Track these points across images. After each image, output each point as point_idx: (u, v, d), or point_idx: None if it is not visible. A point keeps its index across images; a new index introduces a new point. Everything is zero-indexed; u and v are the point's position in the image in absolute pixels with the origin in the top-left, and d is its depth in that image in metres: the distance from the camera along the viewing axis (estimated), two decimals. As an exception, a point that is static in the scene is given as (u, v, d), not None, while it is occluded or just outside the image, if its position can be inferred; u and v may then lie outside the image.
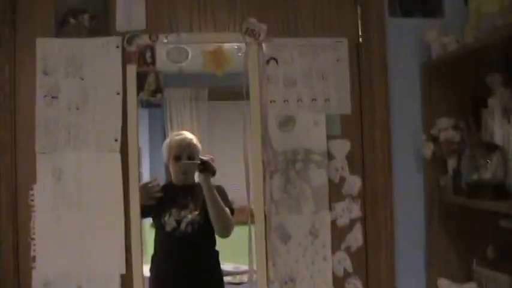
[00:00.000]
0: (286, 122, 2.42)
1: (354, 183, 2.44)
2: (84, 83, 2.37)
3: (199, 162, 2.58)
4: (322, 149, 2.42)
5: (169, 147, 2.73)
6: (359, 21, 2.47)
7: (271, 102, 2.41)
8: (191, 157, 2.67)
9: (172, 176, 2.75)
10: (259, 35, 2.39)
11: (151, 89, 2.37)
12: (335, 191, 2.44)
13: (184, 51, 2.38)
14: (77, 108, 2.37)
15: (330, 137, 2.44)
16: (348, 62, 2.46)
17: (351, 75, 2.46)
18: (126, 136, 2.36)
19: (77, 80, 2.37)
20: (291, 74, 2.43)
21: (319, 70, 2.44)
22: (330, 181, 2.43)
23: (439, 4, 2.53)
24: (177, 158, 2.71)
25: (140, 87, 2.36)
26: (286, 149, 2.41)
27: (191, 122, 3.53)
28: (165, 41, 2.38)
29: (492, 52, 2.13)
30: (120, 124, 2.35)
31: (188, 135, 2.75)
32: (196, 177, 2.65)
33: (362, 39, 2.46)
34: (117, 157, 2.35)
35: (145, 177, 3.97)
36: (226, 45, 2.41)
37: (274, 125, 2.41)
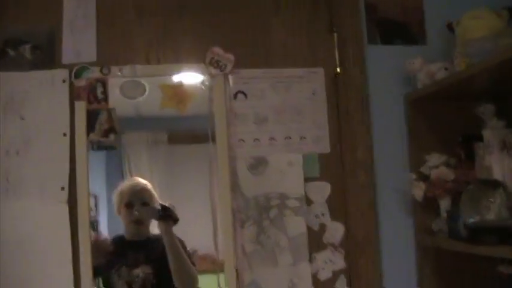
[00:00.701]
0: (258, 164, 2.14)
1: (335, 231, 2.16)
2: (25, 123, 2.06)
3: (158, 208, 2.22)
4: (299, 193, 2.14)
5: (120, 194, 2.38)
6: (336, 50, 2.22)
7: (239, 141, 2.13)
8: (145, 204, 2.33)
9: (124, 227, 2.37)
10: (225, 66, 2.13)
11: (104, 128, 2.07)
12: (315, 240, 2.15)
13: (140, 85, 2.09)
14: (17, 153, 2.05)
15: (307, 180, 2.16)
16: (325, 95, 2.21)
17: (329, 109, 2.21)
18: (75, 184, 2.04)
19: (17, 119, 2.06)
20: (261, 109, 2.17)
21: (293, 104, 2.18)
22: (309, 229, 2.14)
23: (421, 30, 2.32)
24: (129, 205, 2.34)
25: (91, 127, 2.06)
26: (258, 194, 2.12)
27: (149, 166, 3.25)
28: (119, 74, 2.10)
29: (484, 80, 1.90)
30: (67, 170, 2.04)
31: (141, 180, 2.42)
32: (152, 229, 2.32)
33: (340, 69, 2.21)
34: (64, 208, 2.03)
35: (103, 230, 3.60)
36: (188, 79, 2.13)
37: (243, 167, 2.13)
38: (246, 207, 2.10)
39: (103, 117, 2.07)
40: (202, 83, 2.13)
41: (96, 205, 3.69)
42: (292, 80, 2.19)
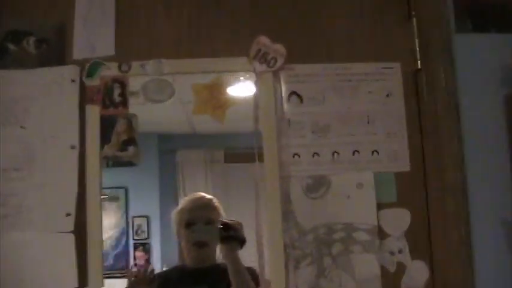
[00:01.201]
0: (317, 186, 1.66)
1: (417, 273, 1.67)
2: (25, 133, 1.65)
3: (220, 226, 1.73)
4: (371, 223, 1.65)
5: (181, 212, 1.98)
6: (415, 40, 1.74)
7: (294, 156, 1.67)
8: (210, 222, 1.89)
9: (185, 254, 1.95)
10: (275, 60, 1.67)
11: (122, 139, 1.64)
12: (391, 285, 1.65)
13: (167, 85, 1.66)
14: (16, 170, 1.64)
15: (381, 206, 1.67)
16: (403, 97, 1.72)
17: (408, 115, 1.72)
18: (85, 209, 1.61)
19: (16, 129, 1.65)
20: (321, 115, 1.69)
21: (362, 110, 1.70)
22: (383, 270, 1.65)
23: (524, 15, 1.81)
24: (190, 225, 1.92)
25: (105, 138, 1.64)
26: (318, 224, 1.65)
27: (205, 186, 3.03)
28: (141, 71, 1.67)
29: None
30: (75, 191, 1.62)
31: (205, 195, 2.03)
32: (218, 254, 1.88)
33: (421, 64, 1.72)
34: (70, 239, 1.60)
35: (156, 255, 3.22)
36: (228, 77, 1.69)
37: (299, 190, 1.66)
38: (302, 241, 1.63)
39: (121, 125, 1.64)
40: (246, 81, 1.68)
41: (148, 227, 3.37)
42: (361, 79, 1.71)
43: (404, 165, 1.69)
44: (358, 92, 1.71)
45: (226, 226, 1.71)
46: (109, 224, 3.30)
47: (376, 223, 1.65)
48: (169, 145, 3.30)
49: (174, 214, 1.99)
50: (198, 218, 1.91)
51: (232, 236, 1.71)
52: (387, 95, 1.71)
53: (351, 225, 1.64)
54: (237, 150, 3.09)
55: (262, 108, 1.66)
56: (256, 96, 1.67)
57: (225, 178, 3.28)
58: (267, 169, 1.64)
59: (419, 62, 1.72)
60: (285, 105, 1.68)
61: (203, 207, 1.95)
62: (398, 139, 1.70)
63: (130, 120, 1.64)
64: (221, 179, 3.31)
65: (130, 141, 1.63)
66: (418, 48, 1.73)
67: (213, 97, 1.65)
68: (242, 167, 3.08)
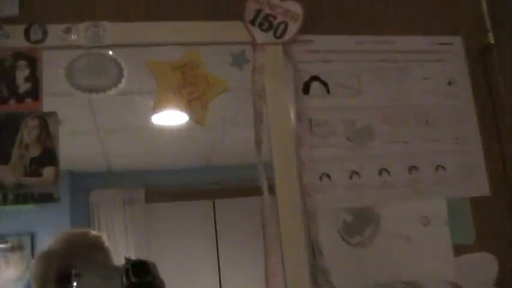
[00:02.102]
0: (360, 224, 1.03)
1: None
2: None
3: (127, 266, 0.98)
4: (445, 278, 1.04)
5: (49, 260, 1.12)
6: (483, 5, 1.19)
7: (321, 178, 1.03)
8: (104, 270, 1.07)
9: None
10: (285, 27, 1.05)
11: (31, 156, 0.94)
12: None
13: (111, 64, 0.99)
14: None
15: (456, 250, 1.07)
16: (470, 86, 1.15)
17: (479, 111, 1.15)
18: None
19: None
20: (359, 112, 1.08)
21: (417, 104, 1.11)
22: None
23: None
24: (67, 277, 0.94)
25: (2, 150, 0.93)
26: (365, 283, 1.02)
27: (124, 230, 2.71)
28: (65, 41, 0.98)
29: None
30: None
31: (90, 230, 1.26)
32: None
33: (493, 38, 1.17)
34: None
35: None
36: (207, 51, 1.04)
37: (333, 232, 1.02)
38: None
39: (29, 131, 0.94)
40: (238, 60, 1.04)
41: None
42: (411, 59, 1.12)
43: (483, 187, 1.11)
44: (409, 77, 1.11)
45: (136, 264, 0.98)
46: (11, 278, 2.75)
47: (450, 277, 1.05)
48: (82, 184, 2.90)
49: (35, 263, 1.11)
50: (84, 265, 1.10)
51: (147, 283, 0.97)
52: (449, 82, 1.14)
53: (415, 285, 1.03)
54: (161, 188, 2.94)
55: (267, 100, 1.03)
56: (256, 85, 1.03)
57: (146, 220, 2.94)
58: (280, 202, 1.00)
59: (489, 35, 1.17)
60: (303, 97, 1.06)
61: (90, 247, 1.14)
62: (470, 147, 1.12)
63: (45, 122, 0.95)
64: (142, 221, 2.94)
65: (45, 159, 0.93)
66: (487, 17, 1.18)
67: (186, 82, 1.00)
68: (167, 207, 2.98)
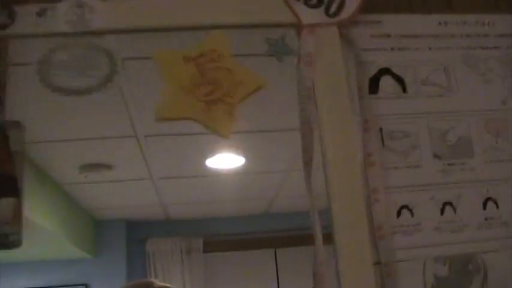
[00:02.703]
0: (458, 279, 0.71)
1: None
2: None
3: None
4: None
5: None
6: None
7: (400, 213, 0.72)
8: None
9: None
10: (342, 1, 0.76)
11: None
12: None
13: (98, 55, 0.71)
14: None
15: None
16: None
17: None
18: None
19: None
20: (449, 118, 0.76)
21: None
22: None
23: None
24: None
25: None
26: None
27: (182, 280, 2.65)
28: (38, 26, 0.71)
29: None
30: None
31: (157, 281, 1.25)
32: None
33: None
34: None
35: None
36: (233, 37, 0.75)
37: (422, 290, 0.70)
38: None
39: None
40: (276, 48, 0.74)
41: None
42: (516, 44, 0.81)
43: None
44: (517, 69, 0.80)
45: None
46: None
47: None
48: (138, 233, 2.85)
49: None
50: None
51: None
52: None
53: None
54: (219, 238, 2.83)
55: (318, 106, 0.72)
56: (303, 82, 0.73)
57: (205, 270, 2.82)
58: (340, 250, 0.68)
59: None
60: (369, 98, 0.75)
61: None
62: None
63: (4, 137, 0.67)
64: (200, 270, 2.82)
65: (1, 187, 0.65)
66: None
67: (204, 79, 0.71)
68: (225, 256, 2.85)
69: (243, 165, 2.19)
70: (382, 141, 0.73)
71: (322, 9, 0.75)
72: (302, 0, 0.75)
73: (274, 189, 2.55)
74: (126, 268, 2.72)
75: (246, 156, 2.13)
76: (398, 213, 0.71)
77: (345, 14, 0.76)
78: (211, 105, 0.69)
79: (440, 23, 0.80)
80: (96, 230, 2.74)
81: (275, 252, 2.94)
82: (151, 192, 2.45)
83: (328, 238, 0.69)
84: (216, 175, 2.23)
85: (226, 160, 2.16)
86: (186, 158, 2.09)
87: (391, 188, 0.71)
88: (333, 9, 0.75)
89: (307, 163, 0.69)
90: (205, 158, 2.11)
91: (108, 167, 2.13)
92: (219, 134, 0.68)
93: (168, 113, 0.69)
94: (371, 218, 0.70)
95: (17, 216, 0.65)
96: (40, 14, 0.72)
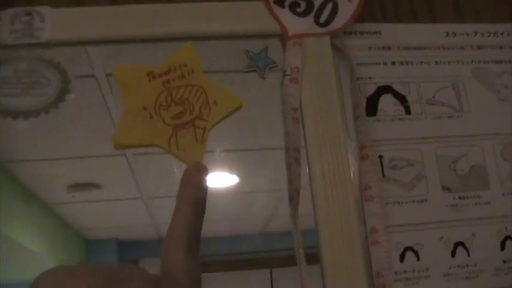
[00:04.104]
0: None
1: None
2: None
3: None
4: None
5: None
6: None
7: (404, 256, 0.61)
8: None
9: None
10: (334, 7, 0.65)
11: None
12: None
13: (51, 72, 0.61)
14: None
15: None
16: None
17: None
18: None
19: None
20: (461, 143, 0.65)
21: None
22: None
23: None
24: None
25: None
26: None
27: None
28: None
29: None
30: None
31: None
32: None
33: None
34: None
35: None
36: (206, 49, 0.65)
37: None
38: None
39: None
40: (257, 62, 0.64)
41: None
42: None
43: None
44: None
45: None
46: None
47: None
48: (130, 253, 2.75)
49: None
50: None
51: None
52: None
53: None
54: (213, 257, 2.68)
55: (306, 130, 0.62)
56: (288, 102, 0.62)
57: None
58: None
59: None
60: (367, 121, 0.64)
61: None
62: None
63: None
64: None
65: None
66: None
67: (171, 99, 0.60)
68: (220, 277, 2.73)
69: (237, 184, 2.10)
70: (382, 171, 0.62)
71: (311, 17, 0.65)
72: (288, 7, 0.65)
73: (270, 208, 2.47)
74: (116, 288, 2.61)
75: (239, 175, 2.03)
76: (402, 257, 0.60)
77: (337, 23, 0.65)
78: (180, 129, 0.58)
79: (447, 34, 0.69)
80: (87, 249, 2.65)
81: (271, 272, 2.85)
82: (143, 211, 2.36)
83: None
84: (208, 194, 2.14)
85: (219, 179, 2.07)
86: (178, 177, 2.00)
87: (393, 227, 0.60)
88: (324, 17, 0.65)
89: (293, 198, 0.58)
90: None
91: (97, 186, 2.03)
92: (184, 161, 0.58)
93: (128, 139, 0.58)
94: (369, 264, 0.59)
95: None
96: None
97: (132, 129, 0.58)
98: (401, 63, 0.67)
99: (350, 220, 0.59)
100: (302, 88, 0.62)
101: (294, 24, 0.64)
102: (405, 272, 0.60)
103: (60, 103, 0.59)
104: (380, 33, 0.67)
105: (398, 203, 0.61)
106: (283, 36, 0.64)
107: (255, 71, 0.63)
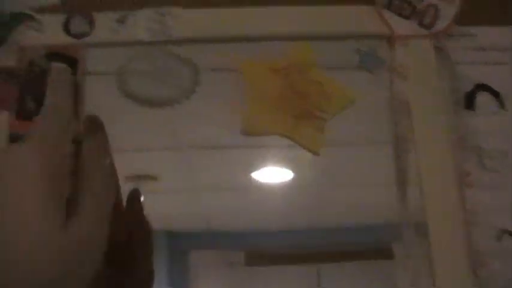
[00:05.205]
0: None
1: None
2: None
3: None
4: None
5: None
6: None
7: (501, 237, 0.66)
8: None
9: None
10: (436, 11, 0.71)
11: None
12: None
13: (183, 67, 0.68)
14: None
15: None
16: None
17: None
18: None
19: None
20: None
21: None
22: None
23: None
24: None
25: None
26: None
27: None
28: (118, 33, 0.69)
29: None
30: None
31: None
32: None
33: None
34: None
35: None
36: (322, 48, 0.71)
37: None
38: None
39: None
40: (367, 60, 0.70)
41: None
42: None
43: None
44: None
45: None
46: None
47: None
48: (180, 244, 2.78)
49: None
50: None
51: None
52: None
53: None
54: (262, 251, 2.76)
55: (413, 122, 0.68)
56: (397, 96, 0.68)
57: (246, 284, 2.78)
58: (440, 281, 0.63)
59: None
60: (466, 115, 0.70)
61: None
62: None
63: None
64: (242, 285, 2.80)
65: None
66: None
67: (292, 92, 0.67)
68: (268, 270, 2.79)
69: (291, 179, 2.15)
70: (481, 161, 0.68)
71: (415, 20, 0.71)
72: (394, 11, 0.71)
73: (319, 203, 2.50)
74: (167, 279, 2.71)
75: (294, 170, 2.09)
76: (498, 238, 0.66)
77: (439, 26, 0.71)
78: (301, 119, 0.65)
79: (539, 35, 0.75)
80: (137, 239, 2.74)
81: (318, 268, 2.88)
82: (195, 203, 2.43)
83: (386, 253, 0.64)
84: (261, 188, 2.20)
85: (273, 174, 2.13)
86: (232, 171, 2.06)
87: (491, 212, 0.66)
88: (426, 20, 0.71)
89: (403, 183, 0.65)
90: (252, 171, 2.07)
91: (153, 178, 2.11)
92: (309, 150, 0.64)
93: (256, 128, 0.65)
94: (469, 243, 0.65)
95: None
96: (120, 21, 0.69)
97: (258, 119, 0.65)
98: (495, 63, 0.72)
99: (453, 203, 0.65)
100: (409, 85, 0.69)
101: (400, 26, 0.71)
102: (502, 251, 0.66)
103: (192, 94, 0.66)
104: (476, 36, 0.73)
105: (496, 188, 0.67)
106: (390, 37, 0.71)
107: (364, 68, 0.70)
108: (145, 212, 0.34)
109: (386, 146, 0.69)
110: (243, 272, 2.85)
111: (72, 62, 0.68)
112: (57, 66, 0.58)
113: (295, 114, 0.65)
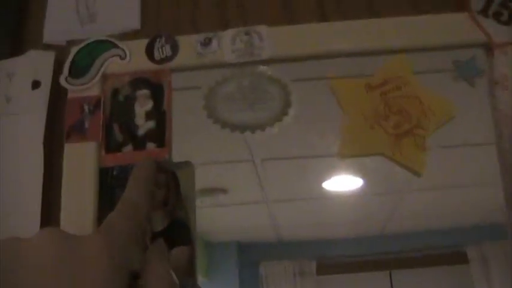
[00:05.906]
0: None
1: None
2: None
3: None
4: None
5: None
6: None
7: None
8: None
9: None
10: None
11: (152, 217, 0.62)
12: None
13: (273, 87, 0.66)
14: None
15: None
16: None
17: None
18: None
19: None
20: None
21: None
22: None
23: None
24: None
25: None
26: None
27: None
28: (204, 56, 0.67)
29: None
30: None
31: None
32: None
33: None
34: None
35: None
36: (415, 61, 0.67)
37: None
38: None
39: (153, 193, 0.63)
40: (466, 71, 0.65)
41: None
42: None
43: None
44: None
45: None
46: None
47: None
48: (251, 256, 2.62)
49: None
50: None
51: None
52: None
53: None
54: (333, 259, 2.47)
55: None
56: (500, 108, 0.63)
57: None
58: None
59: None
60: None
61: None
62: None
63: (175, 179, 0.63)
64: None
65: (174, 235, 0.60)
66: None
67: (390, 110, 0.63)
68: (339, 279, 2.82)
69: (361, 187, 2.11)
70: None
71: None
72: (492, 17, 0.66)
73: (390, 210, 2.45)
74: (238, 290, 2.69)
75: (364, 178, 2.04)
76: None
77: (544, 28, 0.66)
78: (401, 138, 0.61)
79: None
80: (207, 252, 2.74)
81: (390, 274, 2.81)
82: (265, 215, 2.42)
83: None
84: (331, 197, 2.16)
85: (343, 182, 2.09)
86: (302, 181, 2.03)
87: None
88: (531, 24, 0.66)
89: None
90: (322, 180, 2.04)
91: (224, 190, 2.11)
92: (411, 170, 0.60)
93: (353, 150, 0.62)
94: None
95: (190, 265, 0.59)
96: (204, 43, 0.68)
97: (355, 139, 0.62)
98: None
99: None
100: (511, 95, 0.64)
101: (499, 33, 0.66)
102: None
103: (285, 117, 0.64)
104: None
105: None
106: (488, 46, 0.66)
107: (464, 79, 0.65)
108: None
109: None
110: (315, 281, 2.81)
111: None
112: (143, 158, 0.56)
113: (394, 133, 0.61)
